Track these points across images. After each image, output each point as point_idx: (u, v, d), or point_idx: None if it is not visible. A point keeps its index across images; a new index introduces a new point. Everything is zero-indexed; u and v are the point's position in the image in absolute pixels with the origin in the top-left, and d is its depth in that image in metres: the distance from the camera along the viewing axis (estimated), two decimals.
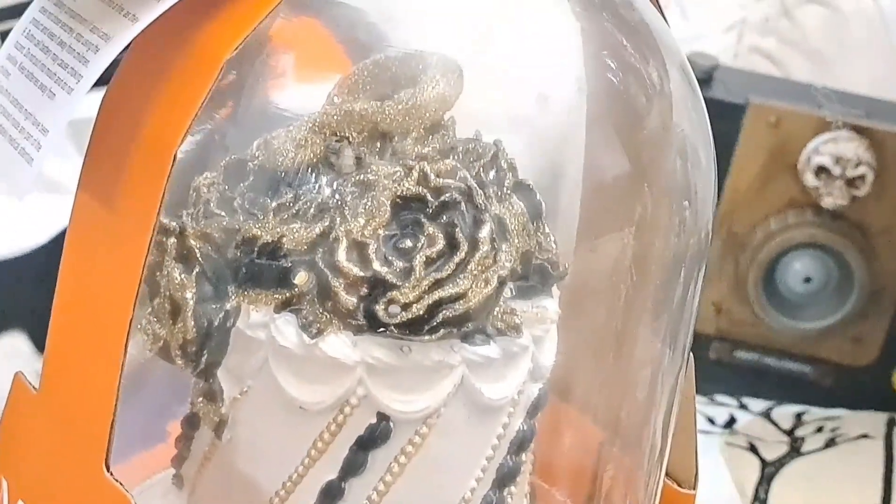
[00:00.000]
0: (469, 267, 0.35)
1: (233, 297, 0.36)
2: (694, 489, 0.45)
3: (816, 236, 0.76)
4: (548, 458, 0.44)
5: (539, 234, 0.38)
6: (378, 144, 0.37)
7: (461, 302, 0.35)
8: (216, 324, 0.35)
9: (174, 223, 0.36)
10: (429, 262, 0.35)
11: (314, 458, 0.36)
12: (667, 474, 0.46)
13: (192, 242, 0.35)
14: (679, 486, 0.45)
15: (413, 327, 0.35)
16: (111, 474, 0.33)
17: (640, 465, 0.43)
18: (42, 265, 0.63)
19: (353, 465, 0.36)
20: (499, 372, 0.37)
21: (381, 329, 0.35)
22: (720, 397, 0.77)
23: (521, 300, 0.37)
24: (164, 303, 0.36)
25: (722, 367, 0.78)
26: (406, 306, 0.34)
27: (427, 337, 0.35)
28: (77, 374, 0.34)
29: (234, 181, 0.36)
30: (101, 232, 0.34)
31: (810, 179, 0.75)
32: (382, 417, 0.36)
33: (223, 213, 0.36)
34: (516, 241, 0.37)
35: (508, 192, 0.37)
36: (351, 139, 0.36)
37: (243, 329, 0.36)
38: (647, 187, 0.40)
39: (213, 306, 0.35)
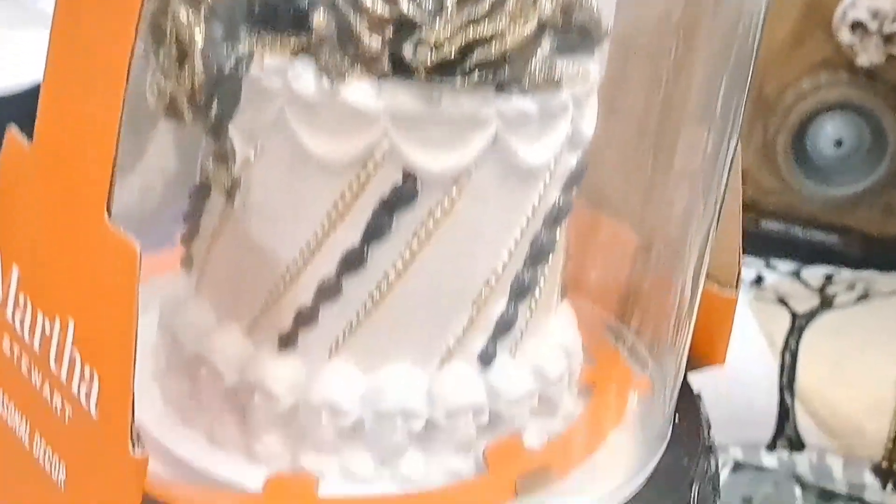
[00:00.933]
0: (507, 5, 0.32)
1: (245, 41, 0.32)
2: (736, 289, 0.42)
3: (850, 97, 0.73)
4: (580, 266, 0.41)
5: None
6: None
7: (497, 42, 0.32)
8: (227, 70, 0.32)
9: None
10: (462, 0, 0.32)
11: (334, 222, 0.34)
12: (707, 275, 0.43)
13: None
14: (720, 286, 0.42)
15: (444, 70, 0.32)
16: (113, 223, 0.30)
17: (678, 272, 0.40)
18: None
19: (376, 229, 0.33)
20: (535, 132, 0.34)
21: (409, 74, 0.32)
22: (746, 258, 0.74)
23: (561, 56, 0.34)
24: (170, 49, 0.33)
25: (747, 238, 0.75)
26: (436, 47, 0.31)
27: (459, 81, 0.32)
28: (74, 117, 0.31)
29: None
30: None
31: (845, 36, 0.72)
32: (408, 176, 0.33)
33: None
34: None
35: None
36: None
37: (257, 77, 0.33)
38: None
39: (224, 51, 0.32)
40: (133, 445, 0.31)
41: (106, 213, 0.30)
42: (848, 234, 0.76)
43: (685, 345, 0.40)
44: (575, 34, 0.34)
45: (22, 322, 0.33)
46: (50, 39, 0.32)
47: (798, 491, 0.60)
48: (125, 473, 0.31)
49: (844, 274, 0.72)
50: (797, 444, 0.61)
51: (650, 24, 0.37)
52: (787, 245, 0.76)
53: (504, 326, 0.36)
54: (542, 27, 0.32)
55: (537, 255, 0.36)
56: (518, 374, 0.36)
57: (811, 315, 0.66)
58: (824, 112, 0.74)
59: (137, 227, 0.39)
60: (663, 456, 0.38)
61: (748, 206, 0.73)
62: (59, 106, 0.32)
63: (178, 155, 0.38)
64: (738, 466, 0.60)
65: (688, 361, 0.44)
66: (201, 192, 0.36)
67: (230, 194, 0.34)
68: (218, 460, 0.35)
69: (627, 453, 0.38)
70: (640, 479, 0.37)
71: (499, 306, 0.35)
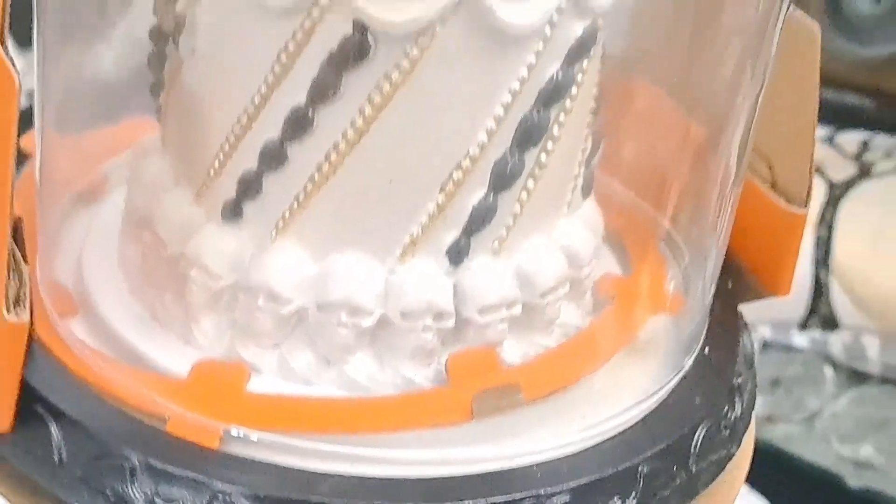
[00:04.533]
0: None
1: None
2: (806, 206, 0.36)
3: None
4: (616, 148, 0.35)
5: None
6: None
7: None
8: None
9: None
10: None
11: (279, 77, 0.29)
12: (774, 187, 0.36)
13: None
14: (788, 202, 0.36)
15: None
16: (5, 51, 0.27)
17: (720, 163, 0.34)
18: None
19: (322, 88, 0.29)
20: None
21: None
22: None
23: None
24: None
25: None
26: None
27: None
28: None
29: None
30: None
31: None
32: (360, 28, 0.28)
33: None
34: None
35: None
36: None
37: None
38: None
39: None
40: (7, 309, 0.27)
41: None
42: (883, 98, 0.70)
43: (718, 258, 0.34)
44: None
45: None
46: None
47: (829, 372, 0.55)
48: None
49: (881, 139, 0.67)
50: (831, 323, 0.57)
51: None
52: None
53: (480, 219, 0.30)
54: None
55: (527, 137, 0.30)
56: (496, 276, 0.31)
57: (848, 185, 0.61)
58: None
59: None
60: (673, 391, 0.33)
61: None
62: None
63: None
64: (765, 346, 0.56)
65: (747, 290, 0.38)
66: (158, 34, 0.32)
67: (175, 35, 0.30)
68: (154, 340, 0.32)
69: (629, 382, 0.33)
70: (635, 415, 0.32)
71: (475, 195, 0.30)
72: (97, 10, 0.36)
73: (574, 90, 0.31)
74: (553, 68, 0.30)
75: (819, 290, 0.57)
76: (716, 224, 0.34)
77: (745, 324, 0.36)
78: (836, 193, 0.60)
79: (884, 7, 0.68)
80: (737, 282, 0.37)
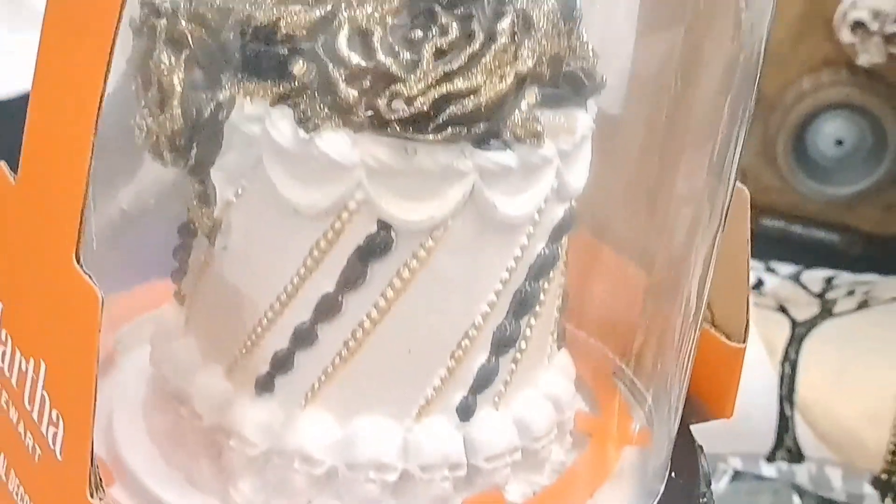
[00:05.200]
0: (484, 60, 0.31)
1: (226, 87, 0.32)
2: (744, 343, 0.41)
3: (850, 96, 0.72)
4: (581, 302, 0.40)
5: (573, 38, 0.34)
6: None
7: (472, 97, 0.31)
8: (207, 115, 0.32)
9: (166, 4, 0.33)
10: (439, 53, 0.31)
11: (310, 269, 0.33)
12: (714, 325, 0.42)
13: (184, 24, 0.32)
14: (728, 339, 0.41)
15: (418, 124, 0.31)
16: (81, 267, 0.30)
17: (678, 313, 0.39)
18: None
19: (351, 277, 0.33)
20: (516, 185, 0.33)
21: (384, 126, 0.31)
22: None
23: (548, 109, 0.33)
24: (153, 91, 0.33)
25: None
26: (410, 100, 0.31)
27: (432, 136, 0.31)
28: (50, 161, 0.31)
29: None
30: (73, 16, 0.31)
31: (846, 36, 0.71)
32: (383, 226, 0.33)
33: None
34: (543, 41, 0.33)
35: None
36: None
37: (237, 123, 0.33)
38: None
39: (205, 95, 0.32)
40: (92, 492, 0.31)
41: (74, 257, 0.30)
42: (849, 233, 0.75)
43: (681, 394, 0.39)
44: (565, 86, 0.34)
45: (3, 356, 0.33)
46: (34, 76, 0.32)
47: (797, 500, 0.59)
48: None
49: (845, 277, 0.71)
50: (796, 456, 0.60)
51: (652, 65, 0.37)
52: (787, 243, 0.75)
53: (485, 379, 0.35)
54: (521, 81, 0.32)
55: (521, 306, 0.35)
56: (500, 428, 0.36)
57: (811, 323, 0.65)
58: (825, 111, 0.73)
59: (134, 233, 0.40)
60: None
61: (749, 204, 0.72)
62: (38, 144, 0.32)
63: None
64: (737, 475, 0.60)
65: (694, 413, 0.43)
66: (188, 230, 0.36)
67: (211, 236, 0.34)
68: (193, 502, 0.35)
69: None
70: None
71: (479, 359, 0.35)
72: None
73: (557, 262, 0.36)
74: (540, 246, 0.35)
75: (784, 424, 0.61)
76: (678, 366, 0.39)
77: (700, 446, 0.41)
78: (800, 332, 0.63)
79: (845, 150, 0.73)
80: (687, 406, 0.42)
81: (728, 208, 0.37)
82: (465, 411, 0.35)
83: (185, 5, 0.33)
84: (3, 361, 0.33)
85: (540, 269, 0.35)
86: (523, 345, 0.36)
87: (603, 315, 0.41)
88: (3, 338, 0.33)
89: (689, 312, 0.38)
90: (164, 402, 0.37)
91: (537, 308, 0.36)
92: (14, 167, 0.33)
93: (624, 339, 0.41)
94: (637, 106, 0.38)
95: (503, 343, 0.35)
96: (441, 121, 0.31)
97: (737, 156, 0.37)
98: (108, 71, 0.29)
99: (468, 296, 0.34)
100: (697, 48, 0.36)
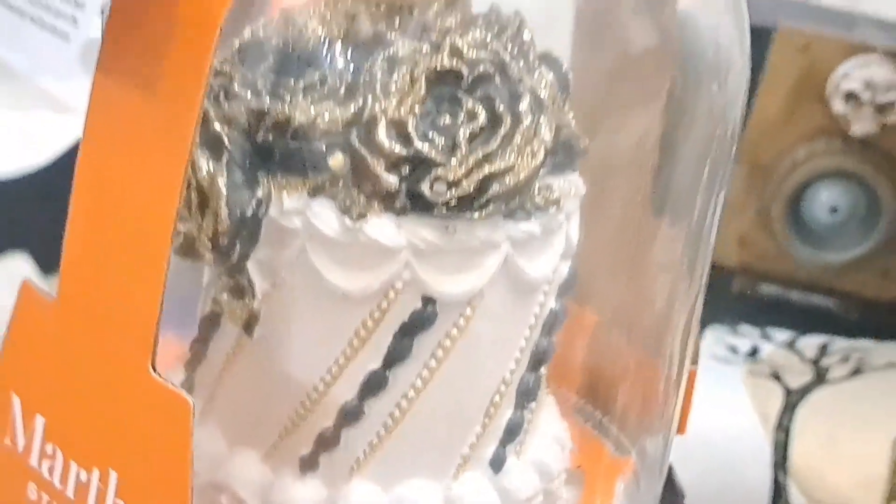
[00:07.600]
0: (515, 140, 0.34)
1: (265, 184, 0.34)
2: (695, 364, 0.45)
3: (844, 165, 0.74)
4: (564, 361, 0.43)
5: (565, 108, 0.37)
6: (397, 19, 0.35)
7: (510, 175, 0.34)
8: (249, 213, 0.33)
9: None
10: (472, 137, 0.33)
11: (356, 348, 0.35)
12: None
13: (218, 127, 0.33)
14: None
15: (462, 205, 0.33)
16: (160, 376, 0.31)
17: (658, 377, 0.43)
18: (46, 185, 0.59)
19: (397, 353, 0.35)
20: (538, 249, 0.36)
21: (428, 209, 0.33)
22: (743, 328, 0.74)
23: (554, 176, 0.36)
24: (189, 196, 0.34)
25: (745, 301, 0.76)
26: (453, 184, 0.33)
27: (476, 214, 0.33)
28: (111, 276, 0.32)
29: (253, 62, 0.34)
30: (133, 120, 0.31)
31: (839, 106, 0.72)
32: (427, 301, 0.34)
33: (248, 96, 0.34)
34: (551, 114, 0.35)
35: (536, 63, 0.36)
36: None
37: (276, 218, 0.34)
38: (676, 62, 0.39)
39: (245, 195, 0.33)
40: None
41: (151, 367, 0.31)
42: (845, 298, 0.76)
43: (671, 432, 0.42)
44: (561, 153, 0.37)
45: (51, 470, 0.33)
46: (73, 188, 0.33)
47: None
48: None
49: (839, 343, 0.72)
50: None
51: (630, 139, 0.40)
52: (784, 309, 0.76)
53: (512, 431, 0.37)
54: (546, 156, 0.34)
55: (538, 360, 0.38)
56: (525, 474, 0.38)
57: (804, 391, 0.66)
58: (819, 179, 0.74)
59: None
60: None
61: (746, 270, 0.74)
62: (87, 262, 0.32)
63: None
64: None
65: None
66: (211, 322, 0.37)
67: (248, 327, 0.35)
68: None
69: None
70: None
71: (507, 413, 0.37)
72: None
73: (564, 317, 0.38)
74: (552, 302, 0.38)
75: (778, 492, 0.62)
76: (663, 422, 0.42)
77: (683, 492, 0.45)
78: (793, 400, 0.65)
79: (840, 217, 0.74)
80: (642, 423, 0.46)
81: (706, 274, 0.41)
82: (498, 463, 0.37)
83: (216, 108, 0.33)
84: (51, 476, 0.34)
85: (552, 324, 0.38)
86: (539, 395, 0.38)
87: (580, 372, 0.44)
88: (50, 452, 0.33)
89: (673, 372, 0.42)
90: (198, 494, 0.37)
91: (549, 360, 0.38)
92: (6, 247, 0.33)
93: (594, 381, 0.44)
94: (615, 179, 0.41)
95: (526, 395, 0.37)
96: (484, 200, 0.33)
97: (714, 225, 0.40)
98: (187, 165, 0.30)
99: (500, 355, 0.36)
100: (674, 125, 0.40)
